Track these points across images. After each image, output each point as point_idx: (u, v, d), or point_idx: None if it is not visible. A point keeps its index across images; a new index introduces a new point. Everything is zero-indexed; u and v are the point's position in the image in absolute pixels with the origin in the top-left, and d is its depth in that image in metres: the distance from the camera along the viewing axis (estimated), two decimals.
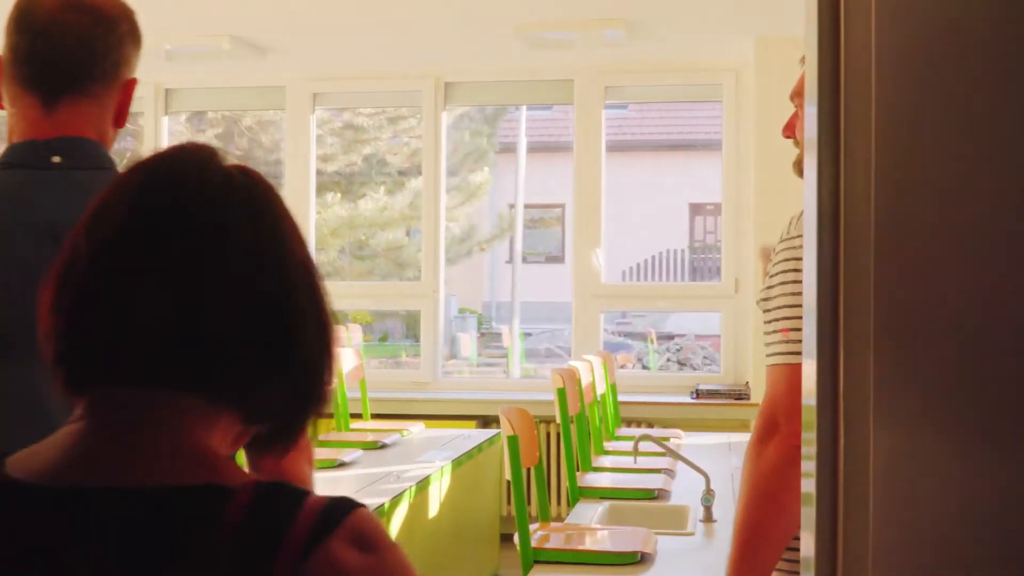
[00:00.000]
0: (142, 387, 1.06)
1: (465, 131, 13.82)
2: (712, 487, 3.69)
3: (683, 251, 17.58)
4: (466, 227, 13.97)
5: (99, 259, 1.06)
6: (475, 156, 13.79)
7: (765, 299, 2.06)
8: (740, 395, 6.50)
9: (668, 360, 13.45)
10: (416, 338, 15.15)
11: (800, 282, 1.93)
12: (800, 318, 1.92)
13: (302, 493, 1.03)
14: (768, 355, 2.03)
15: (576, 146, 7.21)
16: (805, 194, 0.99)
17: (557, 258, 18.69)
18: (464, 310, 15.20)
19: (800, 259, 1.93)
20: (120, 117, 1.86)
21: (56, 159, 1.73)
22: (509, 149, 15.96)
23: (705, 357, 13.49)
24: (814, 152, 0.94)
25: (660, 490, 4.12)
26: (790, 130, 2.23)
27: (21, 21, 1.77)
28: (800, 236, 1.93)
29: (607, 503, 3.99)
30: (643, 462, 4.58)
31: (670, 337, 14.77)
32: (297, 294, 1.11)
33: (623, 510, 3.94)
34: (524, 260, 16.28)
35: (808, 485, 0.95)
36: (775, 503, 1.98)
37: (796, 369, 1.92)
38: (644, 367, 13.10)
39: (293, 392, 1.11)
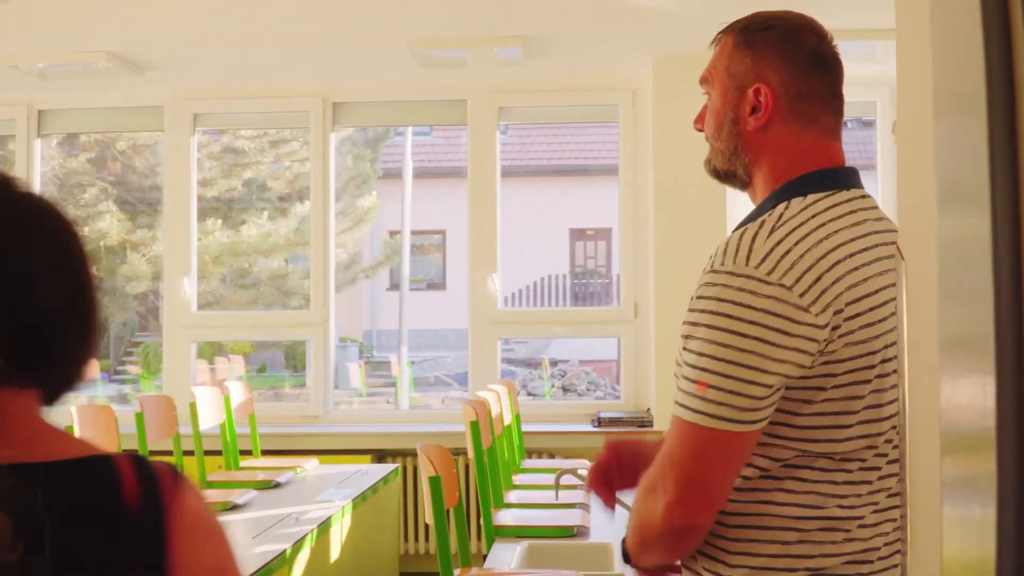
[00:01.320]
0: None
1: (347, 155, 13.53)
2: None
3: (564, 276, 17.52)
4: (352, 253, 13.66)
5: None
6: (358, 181, 13.50)
7: (686, 336, 1.73)
8: (643, 422, 6.34)
9: (553, 387, 13.34)
10: (296, 368, 14.84)
11: (732, 332, 1.64)
12: (726, 376, 1.64)
13: (141, 455, 1.26)
14: (676, 401, 1.72)
15: (470, 168, 7.00)
16: (941, 233, 0.80)
17: (438, 285, 18.49)
18: (345, 339, 14.88)
19: (737, 304, 1.64)
20: None
21: None
22: (391, 175, 15.72)
23: (590, 383, 13.41)
24: (981, 184, 0.72)
25: (579, 527, 3.91)
26: (702, 122, 1.92)
27: None
28: (744, 276, 1.65)
29: (525, 542, 3.77)
30: (552, 496, 4.39)
31: (554, 363, 14.68)
32: (91, 297, 1.30)
33: (543, 549, 3.73)
34: (400, 288, 16.03)
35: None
36: (645, 546, 1.76)
37: (705, 435, 1.65)
38: (530, 394, 12.95)
39: (73, 377, 1.29)
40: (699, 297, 1.72)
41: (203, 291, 7.27)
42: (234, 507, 4.61)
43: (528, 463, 5.63)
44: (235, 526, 4.31)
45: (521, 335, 7.77)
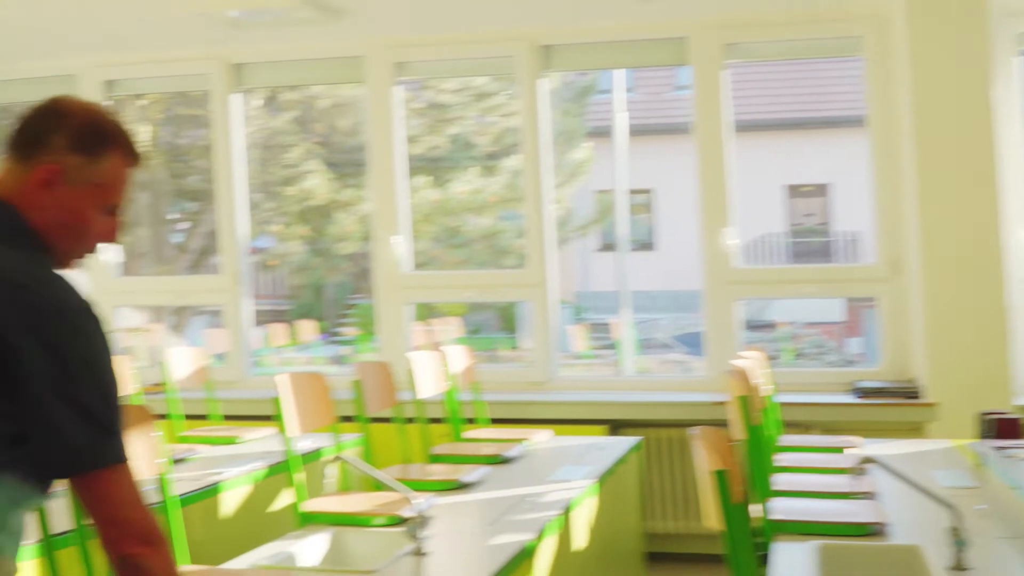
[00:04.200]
0: None
1: (554, 110, 13.00)
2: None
3: (782, 235, 16.74)
4: (563, 211, 13.09)
5: None
6: (566, 137, 12.93)
7: None
8: (909, 393, 5.63)
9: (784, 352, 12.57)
10: (511, 331, 14.44)
11: None
12: None
13: None
14: None
15: (697, 114, 6.34)
16: None
17: (646, 245, 17.90)
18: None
19: None
20: None
21: None
22: (597, 133, 15.15)
23: (818, 346, 12.62)
24: None
25: (876, 524, 3.26)
26: None
27: None
28: None
29: (814, 542, 3.14)
30: (832, 482, 3.77)
31: (771, 326, 13.94)
32: None
33: (838, 553, 3.10)
34: (616, 248, 15.44)
35: None
36: None
37: None
38: None
39: None
40: None
41: (415, 251, 6.85)
42: (462, 486, 4.15)
43: (785, 439, 4.97)
44: (465, 508, 3.84)
45: (762, 295, 7.06)
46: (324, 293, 15.04)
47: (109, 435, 1.86)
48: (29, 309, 1.83)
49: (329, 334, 13.93)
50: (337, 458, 3.59)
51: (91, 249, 2.08)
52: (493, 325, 14.08)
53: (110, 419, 1.87)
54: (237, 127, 7.01)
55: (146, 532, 1.88)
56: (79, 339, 1.86)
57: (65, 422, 1.81)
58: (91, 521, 1.88)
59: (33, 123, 2.02)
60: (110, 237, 2.09)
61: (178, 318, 12.59)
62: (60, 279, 1.92)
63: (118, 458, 1.87)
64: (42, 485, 1.91)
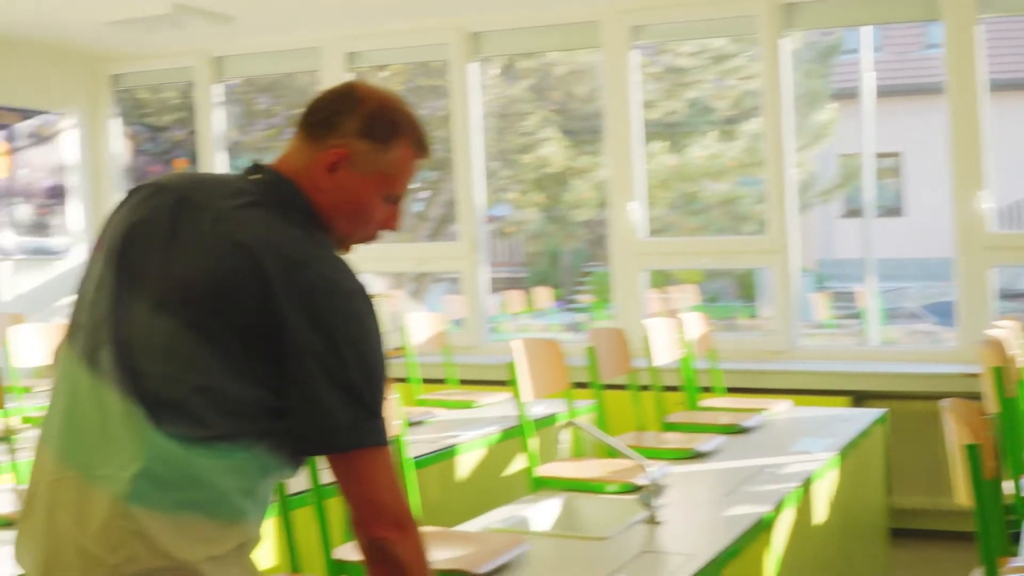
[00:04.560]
0: None
1: (796, 72, 12.65)
2: None
3: None
4: (805, 175, 12.74)
5: None
6: (808, 99, 12.56)
7: None
8: None
9: None
10: (749, 299, 14.22)
11: None
12: None
13: None
14: None
15: (949, 72, 6.02)
16: None
17: (894, 211, 17.29)
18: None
19: None
20: None
21: None
22: (841, 95, 14.67)
23: None
24: None
25: None
26: None
27: None
28: None
29: None
30: None
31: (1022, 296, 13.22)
32: None
33: None
34: (861, 214, 14.95)
35: None
36: None
37: None
38: None
39: None
40: None
41: (651, 217, 6.76)
42: (698, 455, 4.07)
43: None
44: (700, 477, 3.77)
45: (1018, 263, 6.68)
46: (560, 260, 15.11)
47: (372, 417, 1.86)
48: (305, 287, 1.83)
49: (565, 301, 13.99)
50: (571, 424, 3.57)
51: (371, 236, 2.07)
52: (731, 293, 13.86)
53: (374, 401, 1.87)
54: (475, 96, 7.08)
55: (399, 516, 1.88)
56: (351, 320, 1.86)
57: (330, 400, 1.82)
58: (344, 501, 1.87)
59: (326, 105, 2.01)
60: (391, 225, 2.07)
61: (418, 284, 12.87)
62: (338, 260, 1.92)
63: (378, 441, 1.86)
64: (296, 459, 1.93)
